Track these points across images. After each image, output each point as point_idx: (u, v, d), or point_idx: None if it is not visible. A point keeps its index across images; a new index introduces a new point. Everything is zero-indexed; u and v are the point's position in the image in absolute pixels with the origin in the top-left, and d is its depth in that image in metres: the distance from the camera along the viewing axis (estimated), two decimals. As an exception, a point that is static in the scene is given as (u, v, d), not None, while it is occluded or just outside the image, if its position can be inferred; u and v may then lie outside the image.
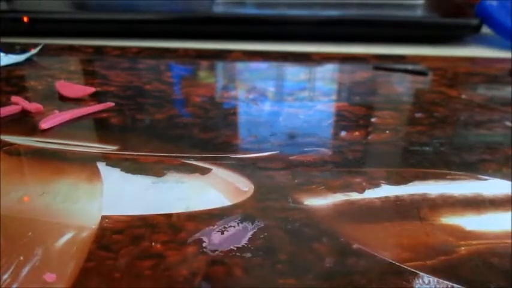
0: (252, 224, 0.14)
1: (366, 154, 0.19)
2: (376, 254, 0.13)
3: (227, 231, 0.14)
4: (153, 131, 0.21)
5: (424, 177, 0.17)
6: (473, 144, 0.20)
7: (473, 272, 0.12)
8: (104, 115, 0.23)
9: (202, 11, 0.41)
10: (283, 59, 0.34)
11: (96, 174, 0.17)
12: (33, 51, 0.33)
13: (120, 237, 0.14)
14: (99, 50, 0.36)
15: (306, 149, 0.19)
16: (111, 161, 0.18)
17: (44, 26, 0.39)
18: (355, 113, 0.23)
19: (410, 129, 0.21)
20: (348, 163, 0.18)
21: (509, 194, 0.16)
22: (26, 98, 0.24)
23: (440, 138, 0.20)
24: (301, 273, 0.12)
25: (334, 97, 0.26)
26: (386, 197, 0.16)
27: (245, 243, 0.13)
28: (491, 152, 0.19)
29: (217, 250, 0.13)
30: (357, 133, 0.21)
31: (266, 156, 0.19)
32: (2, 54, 0.32)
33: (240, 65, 0.32)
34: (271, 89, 0.27)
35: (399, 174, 0.17)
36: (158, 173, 0.17)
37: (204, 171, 0.17)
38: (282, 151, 0.19)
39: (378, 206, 0.15)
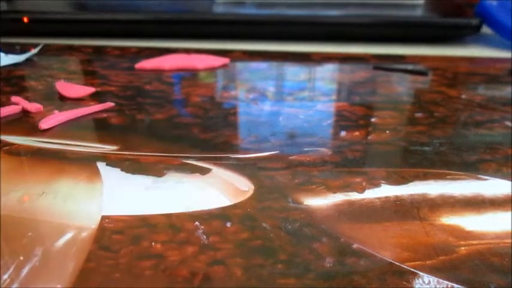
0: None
1: (366, 154, 0.19)
2: (376, 254, 0.13)
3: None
4: (153, 131, 0.21)
5: (424, 177, 0.17)
6: (473, 144, 0.20)
7: (473, 272, 0.12)
8: (104, 115, 0.23)
9: (202, 11, 0.41)
10: (283, 59, 0.34)
11: (96, 174, 0.17)
12: (33, 51, 0.33)
13: (120, 237, 0.14)
14: (99, 50, 0.36)
15: (306, 149, 0.19)
16: (111, 161, 0.18)
17: (44, 26, 0.39)
18: (355, 113, 0.23)
19: (410, 129, 0.21)
20: (348, 163, 0.18)
21: (509, 194, 0.16)
22: (26, 98, 0.24)
23: (440, 138, 0.20)
24: (301, 273, 0.12)
25: (334, 97, 0.26)
26: (386, 197, 0.16)
27: (245, 243, 0.13)
28: (491, 152, 0.19)
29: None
30: (357, 133, 0.21)
31: (266, 156, 0.19)
32: (2, 54, 0.32)
33: (240, 65, 0.32)
34: (271, 89, 0.27)
35: (399, 174, 0.17)
36: (158, 173, 0.17)
37: (204, 171, 0.17)
38: (282, 151, 0.19)
39: (377, 206, 0.15)
